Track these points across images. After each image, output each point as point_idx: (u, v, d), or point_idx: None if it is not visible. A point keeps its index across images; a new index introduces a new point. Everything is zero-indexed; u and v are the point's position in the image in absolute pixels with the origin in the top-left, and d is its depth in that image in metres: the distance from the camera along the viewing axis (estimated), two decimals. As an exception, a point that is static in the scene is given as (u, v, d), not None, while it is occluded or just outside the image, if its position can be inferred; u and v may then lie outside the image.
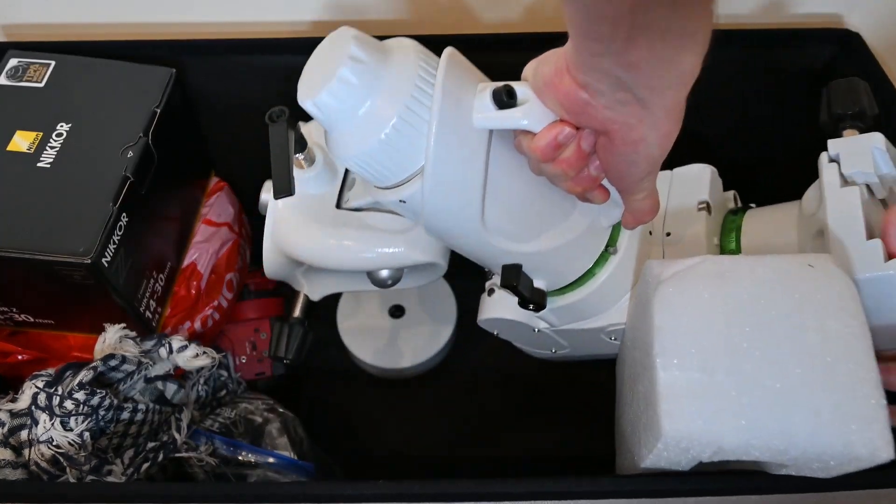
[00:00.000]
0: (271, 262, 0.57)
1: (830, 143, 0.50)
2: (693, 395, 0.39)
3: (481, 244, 0.44)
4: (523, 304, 0.48)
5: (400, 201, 0.41)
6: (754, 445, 0.38)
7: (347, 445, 0.69)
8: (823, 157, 0.50)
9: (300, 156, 0.52)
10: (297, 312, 0.61)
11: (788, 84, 0.66)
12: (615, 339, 0.54)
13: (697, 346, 0.40)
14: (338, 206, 0.55)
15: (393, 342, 0.72)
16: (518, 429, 0.69)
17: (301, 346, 0.59)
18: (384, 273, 0.56)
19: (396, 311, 0.75)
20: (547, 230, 0.46)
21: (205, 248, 0.63)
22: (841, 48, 0.63)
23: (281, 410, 0.61)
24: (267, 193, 0.57)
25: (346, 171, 0.56)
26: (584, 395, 0.67)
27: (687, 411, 0.39)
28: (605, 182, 0.41)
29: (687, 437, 0.38)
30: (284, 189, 0.44)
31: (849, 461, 0.38)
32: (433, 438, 0.70)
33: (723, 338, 0.40)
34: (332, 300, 0.75)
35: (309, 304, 0.62)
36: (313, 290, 0.62)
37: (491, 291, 0.57)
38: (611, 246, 0.50)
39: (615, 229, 0.50)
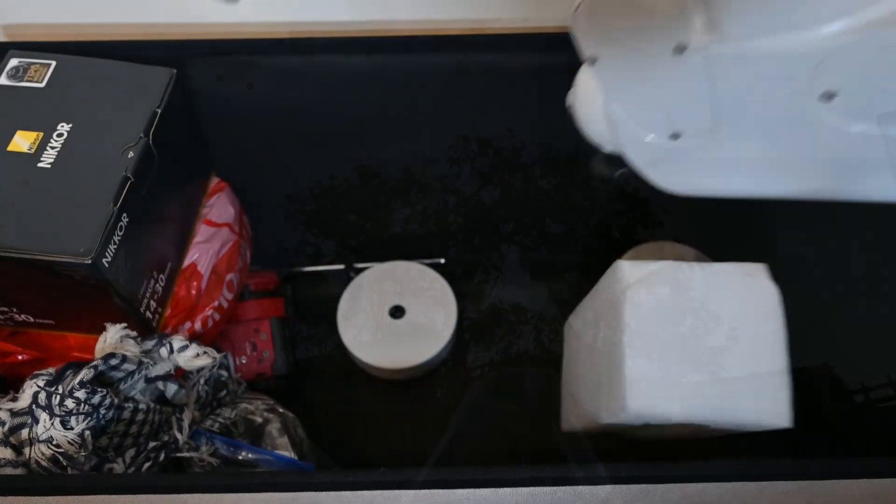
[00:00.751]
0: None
1: None
2: (651, 380, 0.51)
3: None
4: None
5: None
6: (693, 416, 0.50)
7: (347, 446, 0.69)
8: None
9: None
10: None
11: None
12: (837, 104, 0.33)
13: (657, 341, 0.52)
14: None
15: (393, 342, 0.72)
16: (519, 429, 0.70)
17: None
18: None
19: (396, 312, 0.75)
20: None
21: (205, 249, 0.63)
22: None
23: (281, 411, 0.61)
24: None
25: None
26: (584, 395, 0.67)
27: (647, 392, 0.50)
28: None
29: (646, 411, 0.50)
30: None
31: (757, 426, 0.50)
32: (433, 439, 0.69)
33: (677, 334, 0.52)
34: (332, 300, 0.75)
35: None
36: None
37: None
38: None
39: None
